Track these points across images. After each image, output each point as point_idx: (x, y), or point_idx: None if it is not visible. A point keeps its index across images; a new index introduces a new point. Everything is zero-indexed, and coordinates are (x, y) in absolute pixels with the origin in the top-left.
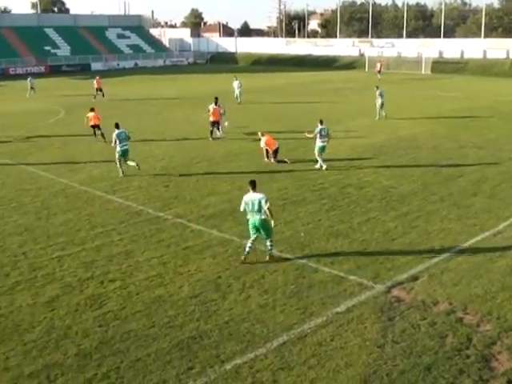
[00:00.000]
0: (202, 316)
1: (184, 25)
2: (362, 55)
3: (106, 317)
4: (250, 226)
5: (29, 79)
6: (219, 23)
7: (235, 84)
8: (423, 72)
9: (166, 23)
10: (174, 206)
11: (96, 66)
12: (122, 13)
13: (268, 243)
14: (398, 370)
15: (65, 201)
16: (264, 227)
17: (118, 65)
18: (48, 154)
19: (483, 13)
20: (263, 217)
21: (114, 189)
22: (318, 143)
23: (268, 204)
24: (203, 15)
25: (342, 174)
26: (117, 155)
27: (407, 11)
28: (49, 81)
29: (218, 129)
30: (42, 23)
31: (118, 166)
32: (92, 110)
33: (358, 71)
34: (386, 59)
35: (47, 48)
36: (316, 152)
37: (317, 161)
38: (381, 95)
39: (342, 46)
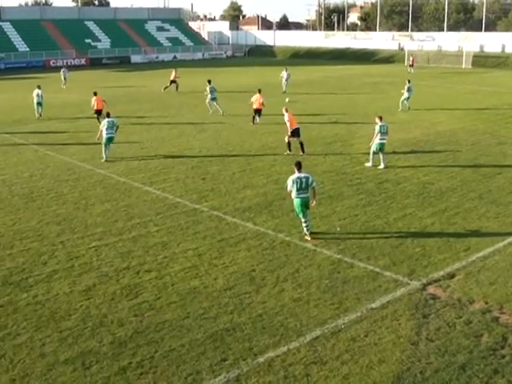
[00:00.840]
0: (235, 308)
1: (223, 18)
2: (401, 49)
3: (141, 307)
4: (298, 204)
5: (62, 70)
6: (258, 16)
7: (284, 74)
8: (464, 66)
9: (206, 16)
10: (211, 199)
11: (135, 58)
12: (161, 6)
13: (305, 221)
14: (432, 368)
15: (103, 191)
16: (307, 205)
17: (157, 57)
18: (87, 145)
19: None
20: (308, 195)
21: (151, 180)
22: (377, 140)
23: (315, 183)
24: (242, 8)
25: (379, 169)
26: (103, 140)
27: (448, 4)
28: (89, 73)
29: (259, 116)
30: (82, 16)
31: (103, 150)
32: (95, 94)
33: (396, 65)
34: (426, 53)
35: (87, 41)
36: (373, 149)
37: (374, 153)
38: (409, 89)
39: (381, 40)
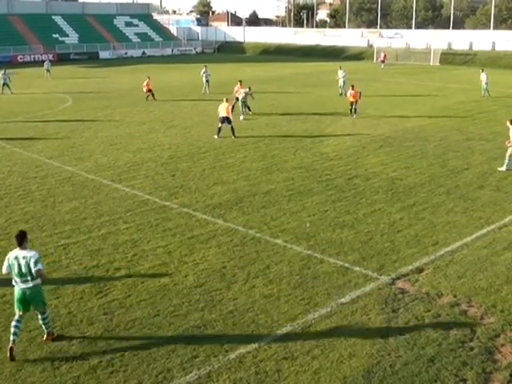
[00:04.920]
0: (206, 305)
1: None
2: (370, 46)
3: (110, 305)
4: (18, 297)
5: (46, 63)
6: (227, 12)
7: (340, 73)
8: (432, 63)
9: (175, 12)
10: (180, 196)
11: (104, 54)
12: (130, 1)
13: (42, 318)
14: (402, 361)
15: (71, 189)
16: (36, 297)
17: (126, 53)
18: (55, 142)
19: (492, 4)
20: (36, 283)
21: (120, 177)
22: None
23: (40, 265)
24: (211, 4)
25: (348, 165)
26: None
27: (417, 2)
28: (57, 69)
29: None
30: (50, 11)
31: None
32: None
33: (366, 62)
34: (394, 50)
35: (55, 36)
36: (509, 152)
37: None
38: (486, 76)
39: (350, 37)
